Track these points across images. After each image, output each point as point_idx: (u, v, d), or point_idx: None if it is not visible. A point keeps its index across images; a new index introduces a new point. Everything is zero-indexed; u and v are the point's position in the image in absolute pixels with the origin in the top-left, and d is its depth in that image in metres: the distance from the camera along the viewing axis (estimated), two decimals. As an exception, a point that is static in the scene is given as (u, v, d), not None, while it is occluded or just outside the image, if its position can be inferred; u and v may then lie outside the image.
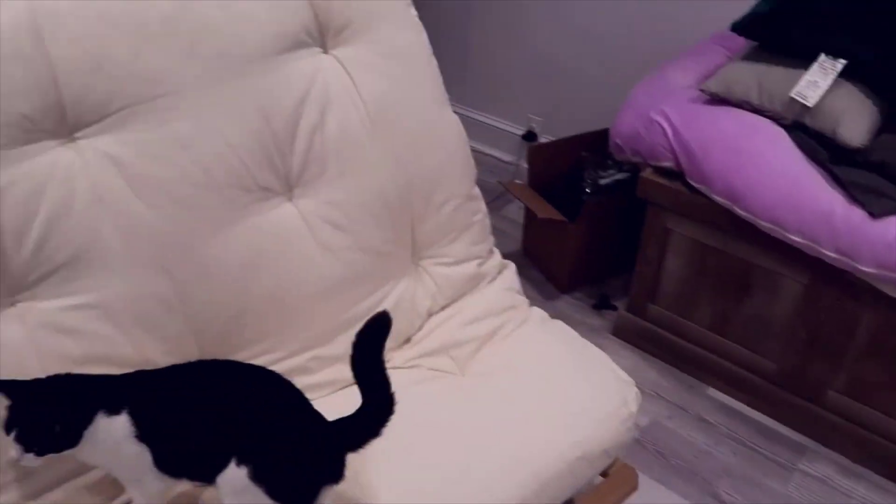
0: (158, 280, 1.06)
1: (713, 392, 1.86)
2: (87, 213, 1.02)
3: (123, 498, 1.04)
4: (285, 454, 0.90)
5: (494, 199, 2.58)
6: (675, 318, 1.91)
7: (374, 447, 0.95)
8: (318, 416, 0.95)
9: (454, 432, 1.15)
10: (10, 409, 0.85)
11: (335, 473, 0.93)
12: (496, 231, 1.49)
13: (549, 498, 1.13)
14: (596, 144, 2.21)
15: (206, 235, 1.12)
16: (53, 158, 1.01)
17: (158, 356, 1.07)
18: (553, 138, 2.57)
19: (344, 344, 1.23)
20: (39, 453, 0.86)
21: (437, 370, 1.31)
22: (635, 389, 1.28)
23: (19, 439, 0.85)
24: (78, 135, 1.03)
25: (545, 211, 2.09)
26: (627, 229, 2.04)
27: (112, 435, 0.89)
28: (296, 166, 1.20)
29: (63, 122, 1.02)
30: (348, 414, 0.94)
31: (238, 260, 1.14)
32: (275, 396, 0.95)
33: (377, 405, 0.94)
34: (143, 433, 0.90)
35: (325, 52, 1.26)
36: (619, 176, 2.19)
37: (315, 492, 0.92)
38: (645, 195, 1.82)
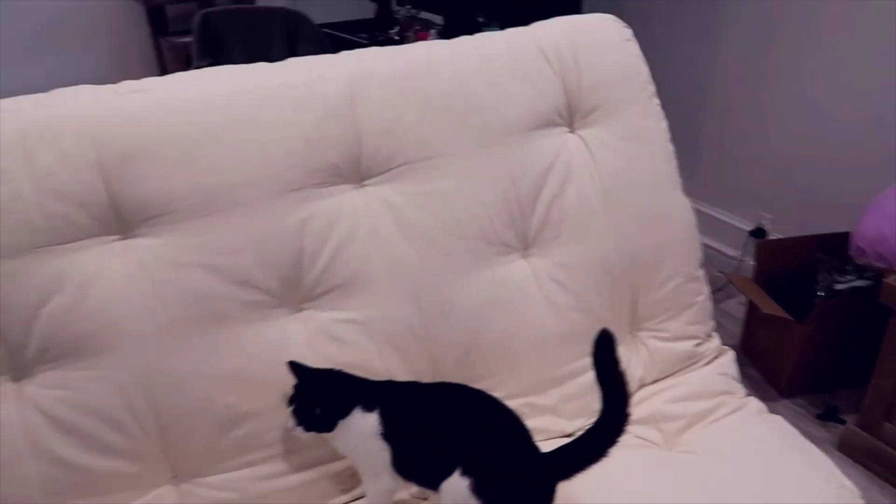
0: (410, 309, 1.25)
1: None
2: (364, 245, 1.24)
3: (357, 492, 1.22)
4: (505, 474, 1.00)
5: (715, 291, 2.50)
6: (917, 440, 1.72)
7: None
8: (536, 448, 1.05)
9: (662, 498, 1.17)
10: (295, 387, 1.06)
11: (545, 501, 1.00)
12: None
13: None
14: (832, 246, 2.10)
15: (451, 278, 1.29)
16: (346, 199, 1.25)
17: (400, 374, 1.24)
18: (783, 236, 2.48)
19: (555, 397, 1.35)
20: (306, 429, 1.05)
21: (643, 439, 1.34)
22: (860, 501, 1.19)
23: (294, 413, 1.05)
24: (366, 183, 1.27)
25: (770, 307, 2.01)
26: (864, 338, 1.88)
27: (363, 429, 1.06)
28: (534, 228, 1.35)
29: (357, 171, 1.27)
30: (563, 444, 1.01)
31: (474, 303, 1.29)
32: (503, 422, 1.06)
33: (612, 418, 1.02)
34: (388, 432, 1.06)
35: (572, 131, 1.41)
36: (859, 283, 2.05)
37: None
38: (889, 302, 1.69)
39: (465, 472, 0.99)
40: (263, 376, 1.17)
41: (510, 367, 1.33)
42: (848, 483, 1.21)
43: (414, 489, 1.22)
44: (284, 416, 1.14)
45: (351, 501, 1.23)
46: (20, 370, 1.08)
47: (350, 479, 1.23)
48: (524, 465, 1.01)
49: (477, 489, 0.98)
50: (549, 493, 1.00)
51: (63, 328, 1.07)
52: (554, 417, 1.37)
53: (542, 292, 1.35)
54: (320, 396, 1.05)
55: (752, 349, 2.27)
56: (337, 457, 1.21)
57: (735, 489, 1.18)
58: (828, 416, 2.00)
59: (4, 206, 1.06)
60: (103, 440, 1.09)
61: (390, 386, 1.13)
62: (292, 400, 1.06)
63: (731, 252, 2.85)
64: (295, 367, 1.08)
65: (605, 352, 1.04)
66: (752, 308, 2.22)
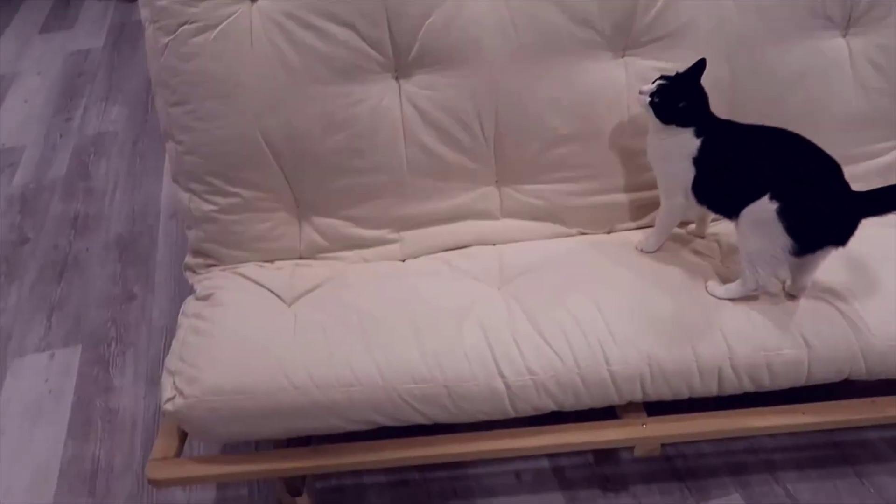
0: (723, 67, 1.35)
1: None
2: (695, 1, 1.33)
3: (644, 221, 1.43)
4: (813, 203, 1.12)
5: None
6: None
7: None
8: (847, 185, 1.14)
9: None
10: (662, 84, 1.23)
11: (844, 236, 1.13)
12: None
13: None
14: None
15: (770, 43, 1.35)
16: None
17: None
18: None
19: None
20: (663, 120, 1.22)
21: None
22: None
23: (657, 102, 1.22)
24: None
25: None
26: None
27: (682, 148, 1.23)
28: (862, 5, 1.35)
29: None
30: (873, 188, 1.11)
31: (786, 71, 1.37)
32: (819, 159, 1.16)
33: None
34: (700, 159, 1.22)
35: None
36: None
37: (822, 243, 1.14)
38: None
39: (774, 197, 1.14)
40: (585, 108, 1.36)
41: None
42: None
43: (692, 226, 1.42)
44: (595, 144, 1.36)
45: (636, 228, 1.45)
46: (402, 71, 1.35)
47: (639, 210, 1.44)
48: (833, 197, 1.13)
49: (783, 212, 1.12)
50: (852, 228, 1.12)
51: (438, 39, 1.31)
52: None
53: (855, 73, 1.39)
54: (687, 95, 1.20)
55: None
56: (633, 188, 1.42)
57: None
58: None
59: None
60: (455, 137, 1.37)
61: (722, 122, 1.25)
62: (657, 93, 1.22)
63: None
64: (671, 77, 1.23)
65: None
66: None
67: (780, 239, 1.14)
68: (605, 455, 1.46)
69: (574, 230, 1.46)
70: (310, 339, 1.21)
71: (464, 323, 1.22)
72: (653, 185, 1.42)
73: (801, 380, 1.20)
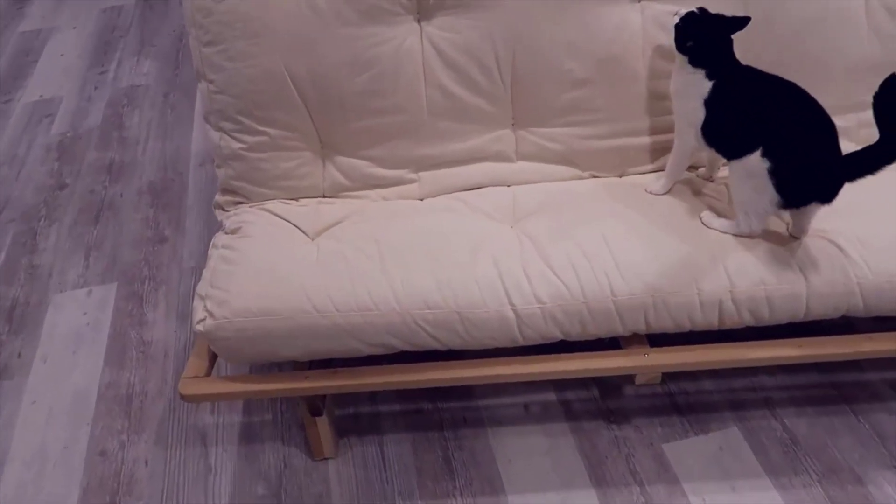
0: (736, 9, 1.36)
1: None
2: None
3: (655, 165, 1.47)
4: (801, 163, 1.16)
5: None
6: None
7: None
8: (837, 146, 1.17)
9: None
10: (683, 19, 1.27)
11: (830, 195, 1.16)
12: None
13: None
14: None
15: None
16: None
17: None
18: None
19: (853, 121, 1.46)
20: (689, 60, 1.26)
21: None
22: None
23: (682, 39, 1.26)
24: None
25: None
26: None
27: (695, 88, 1.26)
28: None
29: None
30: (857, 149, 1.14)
31: (804, 15, 1.38)
32: (817, 120, 1.18)
33: (889, 144, 1.12)
34: (711, 101, 1.26)
35: None
36: None
37: (808, 199, 1.18)
38: None
39: (765, 154, 1.17)
40: (600, 51, 1.40)
41: (820, 85, 1.42)
42: None
43: (702, 169, 1.45)
44: (609, 88, 1.40)
45: (648, 172, 1.49)
46: (424, 13, 1.40)
47: (651, 154, 1.48)
48: (822, 159, 1.16)
49: (773, 170, 1.16)
50: (837, 189, 1.15)
51: (459, -18, 1.37)
52: (846, 140, 1.48)
53: (870, 19, 1.40)
54: (702, 36, 1.24)
55: None
56: (645, 132, 1.46)
57: None
58: None
59: None
60: (474, 79, 1.42)
61: (740, 68, 1.28)
62: (683, 19, 1.26)
63: None
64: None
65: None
66: None
67: (769, 193, 1.19)
68: (609, 389, 1.53)
69: (587, 173, 1.51)
70: (331, 267, 1.29)
71: (477, 255, 1.28)
72: (665, 130, 1.47)
73: (799, 314, 1.25)
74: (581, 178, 1.51)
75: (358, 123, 1.44)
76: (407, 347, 1.27)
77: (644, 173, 1.50)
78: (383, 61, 1.39)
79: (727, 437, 1.41)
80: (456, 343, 1.26)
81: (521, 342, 1.26)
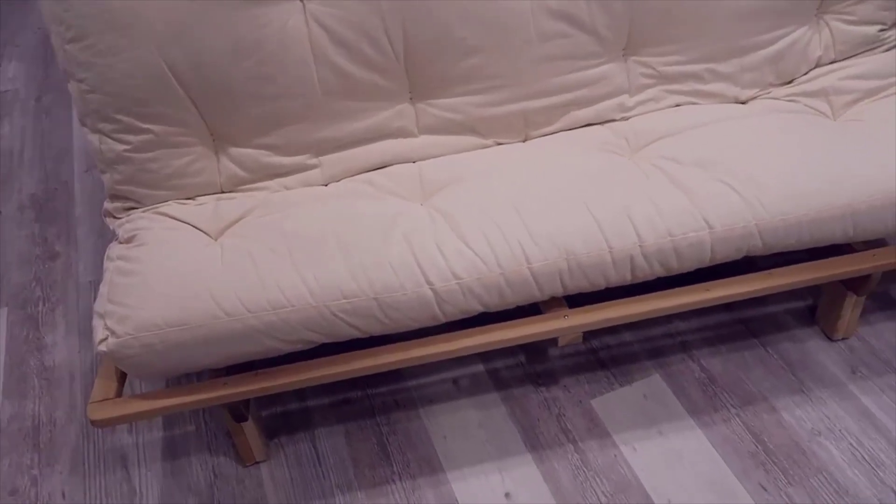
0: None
1: None
2: None
3: (556, 126, 1.47)
4: None
5: None
6: None
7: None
8: None
9: (822, 145, 1.34)
10: None
11: None
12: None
13: (875, 220, 1.29)
14: None
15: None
16: None
17: (602, 28, 1.41)
18: None
19: (735, 66, 1.51)
20: None
21: (812, 108, 1.49)
22: None
23: None
24: None
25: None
26: None
27: None
28: None
29: None
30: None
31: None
32: None
33: None
34: None
35: None
36: None
37: None
38: None
39: None
40: (491, 16, 1.37)
41: (700, 33, 1.48)
42: None
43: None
44: (503, 54, 1.38)
45: (551, 134, 1.49)
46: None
47: (553, 115, 1.47)
48: None
49: None
50: None
51: (337, -45, 1.31)
52: (730, 84, 1.54)
53: (743, -37, 1.45)
54: None
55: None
56: (545, 94, 1.45)
57: (885, 142, 1.33)
58: None
59: None
60: (365, 54, 1.36)
61: None
62: None
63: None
64: None
65: None
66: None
67: None
68: (535, 353, 1.55)
69: (490, 140, 1.49)
70: (238, 266, 1.23)
71: (389, 236, 1.25)
72: (564, 90, 1.48)
73: (705, 260, 1.29)
74: (486, 146, 1.50)
75: (249, 111, 1.37)
76: (327, 340, 1.24)
77: (548, 135, 1.52)
78: (268, 44, 1.32)
79: (650, 385, 1.46)
80: (377, 329, 1.24)
81: (443, 319, 1.25)
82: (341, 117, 1.42)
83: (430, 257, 1.22)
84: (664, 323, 1.57)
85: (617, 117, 1.51)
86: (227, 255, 1.25)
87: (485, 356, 1.54)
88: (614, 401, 1.43)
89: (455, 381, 1.50)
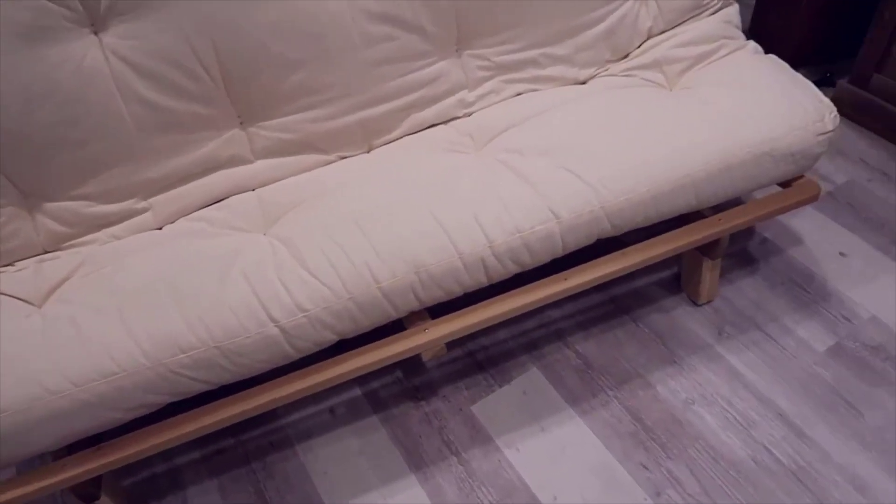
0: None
1: (924, 167, 1.83)
2: None
3: (394, 133, 1.41)
4: None
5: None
6: (901, 90, 1.86)
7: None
8: None
9: (658, 117, 1.34)
10: None
11: None
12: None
13: (732, 180, 1.30)
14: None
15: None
16: None
17: (430, 25, 1.36)
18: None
19: (570, 47, 1.49)
20: None
21: (648, 80, 1.49)
22: (835, 112, 1.36)
23: None
24: None
25: (781, -22, 2.05)
26: (869, 8, 1.94)
27: None
28: None
29: None
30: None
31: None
32: None
33: None
34: None
35: None
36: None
37: None
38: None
39: None
40: (307, 27, 1.29)
41: (529, 19, 1.45)
42: (825, 99, 1.37)
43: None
44: (328, 64, 1.31)
45: (394, 140, 1.44)
46: (98, 23, 1.21)
47: (394, 121, 1.41)
48: None
49: None
50: None
51: (124, -20, 1.20)
52: (567, 66, 1.52)
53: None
54: None
55: (762, 30, 2.33)
56: (381, 100, 1.38)
57: (722, 106, 1.34)
58: (824, 82, 2.12)
59: None
60: (178, 84, 1.26)
61: None
62: None
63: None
64: None
65: None
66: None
67: None
68: (412, 366, 1.50)
69: (333, 156, 1.42)
70: (60, 336, 1.11)
71: (227, 277, 1.17)
72: (400, 94, 1.42)
73: (558, 251, 1.27)
74: (329, 161, 1.43)
75: (56, 160, 1.24)
76: (175, 399, 1.15)
77: (392, 141, 1.46)
78: (65, 85, 1.20)
79: (529, 380, 1.44)
80: (226, 378, 1.16)
81: (296, 356, 1.18)
82: (164, 154, 1.32)
83: (272, 292, 1.15)
84: (537, 314, 1.55)
85: (459, 114, 1.47)
86: (49, 325, 1.13)
87: (360, 379, 1.48)
88: (495, 403, 1.41)
89: (332, 409, 1.44)
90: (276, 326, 1.14)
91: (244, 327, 1.13)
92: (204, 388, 1.15)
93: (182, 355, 1.11)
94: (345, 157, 1.44)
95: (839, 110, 1.97)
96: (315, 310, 1.15)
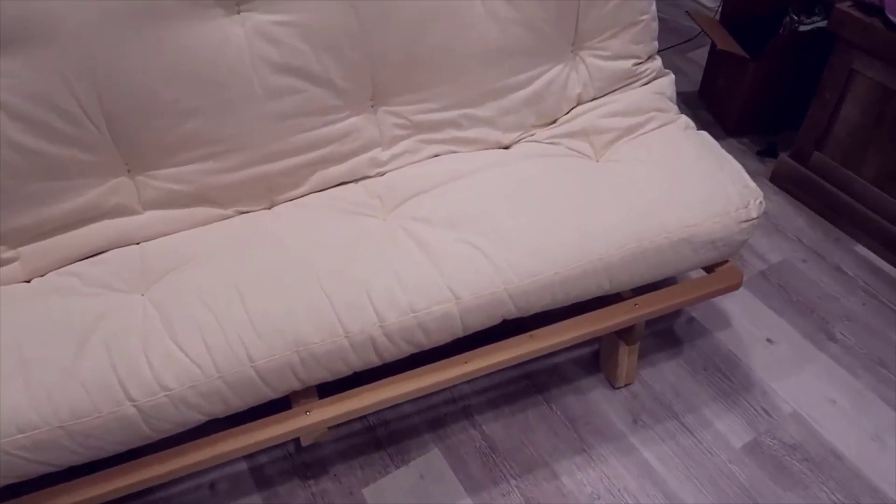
0: (347, 13, 1.25)
1: (861, 249, 1.79)
2: (299, -57, 1.21)
3: (301, 190, 1.32)
4: None
5: (686, 41, 2.49)
6: (839, 168, 1.82)
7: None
8: None
9: (577, 193, 1.27)
10: None
11: None
12: (678, 71, 1.48)
13: (647, 266, 1.23)
14: (807, -14, 2.04)
15: (390, -17, 1.28)
16: None
17: (339, 79, 1.28)
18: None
19: (493, 109, 1.41)
20: None
21: (574, 150, 1.42)
22: (761, 199, 1.30)
23: None
24: None
25: (727, 44, 2.01)
26: (816, 80, 1.91)
27: None
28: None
29: None
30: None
31: (414, 11, 1.29)
32: None
33: None
34: None
35: None
36: (823, 23, 2.03)
37: None
38: (836, 29, 1.69)
39: None
40: (205, 74, 1.21)
41: (450, 78, 1.37)
42: (752, 184, 1.31)
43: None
44: (227, 114, 1.22)
45: (300, 197, 1.35)
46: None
47: (299, 177, 1.32)
48: None
49: None
50: None
51: (2, 15, 1.09)
52: (490, 129, 1.45)
53: (484, 5, 1.34)
54: None
55: (709, 92, 2.30)
56: (285, 155, 1.30)
57: (645, 186, 1.28)
58: (767, 152, 2.08)
59: None
60: (54, 128, 1.16)
61: None
62: None
63: (710, 3, 2.77)
64: None
65: None
66: (712, 51, 2.22)
67: None
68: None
69: (231, 210, 1.32)
70: None
71: (84, 346, 1.05)
72: (307, 149, 1.33)
73: (458, 332, 1.18)
74: (226, 217, 1.33)
75: (-89, 206, 1.14)
76: (12, 480, 1.03)
77: (297, 198, 1.37)
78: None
79: (428, 462, 1.34)
80: (74, 460, 1.04)
81: (156, 437, 1.07)
82: (37, 201, 1.20)
83: (132, 367, 1.04)
84: (446, 388, 1.46)
85: (371, 173, 1.38)
86: None
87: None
88: (389, 486, 1.30)
89: (212, 484, 1.32)
90: (133, 406, 1.02)
91: (95, 406, 1.01)
92: (48, 470, 1.04)
93: (20, 435, 0.98)
94: (243, 213, 1.34)
95: (779, 184, 1.95)
96: (179, 389, 1.04)
